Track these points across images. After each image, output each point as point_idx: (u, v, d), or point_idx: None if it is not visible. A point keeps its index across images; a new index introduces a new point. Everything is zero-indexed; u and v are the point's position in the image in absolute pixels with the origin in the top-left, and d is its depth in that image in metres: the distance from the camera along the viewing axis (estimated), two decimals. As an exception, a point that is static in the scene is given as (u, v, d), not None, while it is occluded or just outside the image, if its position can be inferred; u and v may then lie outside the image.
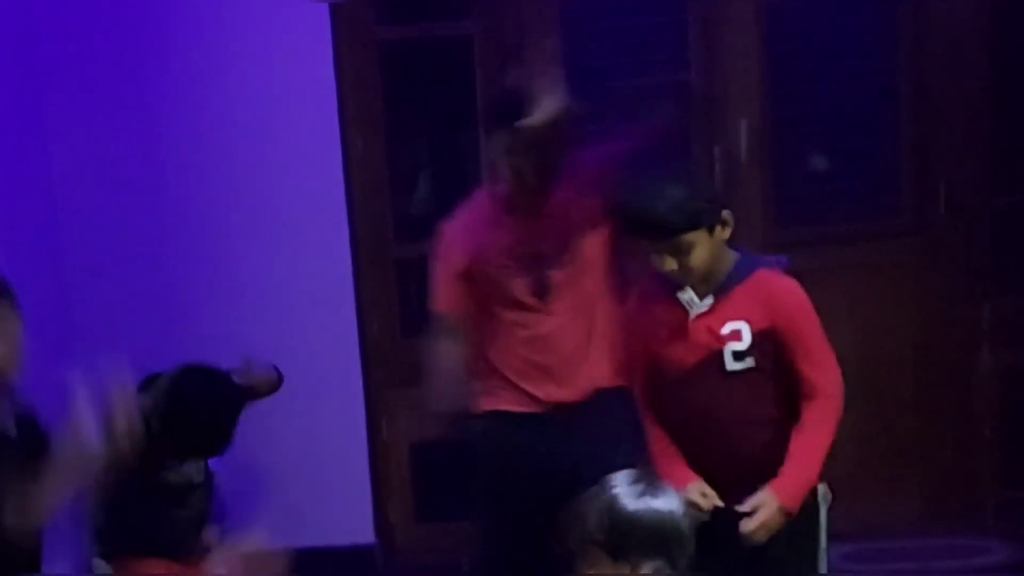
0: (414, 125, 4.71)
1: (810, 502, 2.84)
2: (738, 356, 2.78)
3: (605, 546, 2.21)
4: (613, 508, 2.22)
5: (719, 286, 2.82)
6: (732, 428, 2.82)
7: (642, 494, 2.22)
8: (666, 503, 2.24)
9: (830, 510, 2.90)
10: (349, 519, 4.73)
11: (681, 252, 2.76)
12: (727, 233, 2.82)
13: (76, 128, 4.57)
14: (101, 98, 4.57)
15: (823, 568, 2.90)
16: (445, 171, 4.77)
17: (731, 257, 2.86)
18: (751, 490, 2.76)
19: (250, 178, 4.59)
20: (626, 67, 4.49)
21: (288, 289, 4.63)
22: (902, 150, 4.53)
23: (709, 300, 2.82)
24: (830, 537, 2.93)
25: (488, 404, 3.34)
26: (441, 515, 4.76)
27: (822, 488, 2.88)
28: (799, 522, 2.79)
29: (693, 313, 2.83)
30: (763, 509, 2.73)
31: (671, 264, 2.78)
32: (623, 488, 2.24)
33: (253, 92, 4.52)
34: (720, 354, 2.79)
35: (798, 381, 2.80)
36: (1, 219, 4.12)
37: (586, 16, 4.50)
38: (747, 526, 2.72)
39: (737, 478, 2.81)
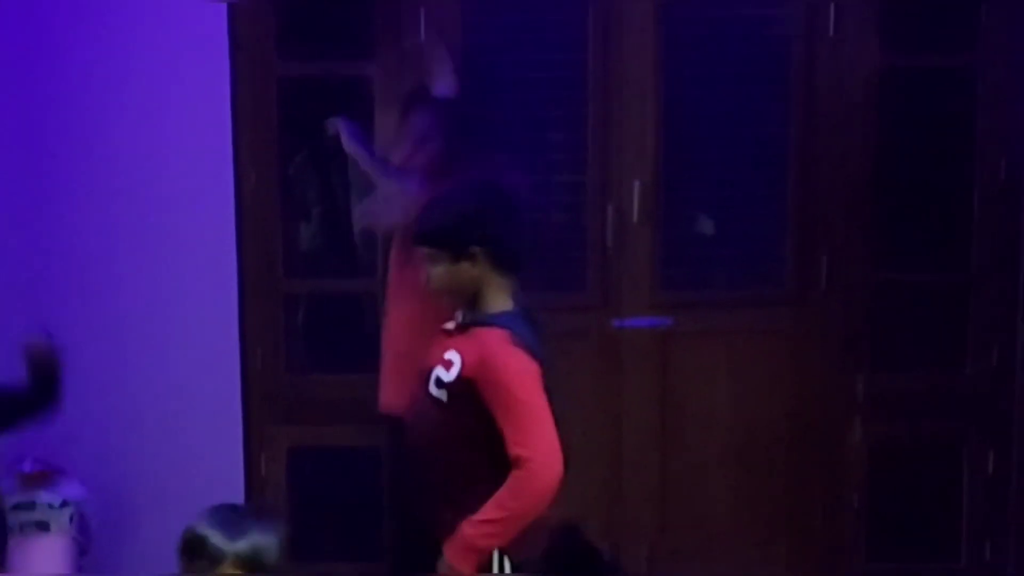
0: (309, 162, 4.72)
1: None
2: (439, 384, 2.93)
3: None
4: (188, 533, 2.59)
5: (473, 318, 2.97)
6: (425, 447, 3.00)
7: (215, 525, 2.57)
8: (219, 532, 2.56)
9: None
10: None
11: (430, 262, 3.00)
12: (476, 270, 2.95)
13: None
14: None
15: None
16: (337, 210, 4.77)
17: (501, 302, 2.98)
18: (440, 520, 2.91)
19: (140, 206, 4.53)
20: (524, 123, 4.53)
21: (173, 319, 4.59)
22: (787, 221, 4.59)
23: (456, 322, 3.01)
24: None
25: None
26: (318, 554, 4.74)
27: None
28: None
29: (448, 324, 3.03)
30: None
31: (425, 271, 3.02)
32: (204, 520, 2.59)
33: (147, 119, 4.47)
34: (432, 372, 2.96)
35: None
36: None
37: (485, 72, 4.51)
38: None
39: (431, 502, 3.00)
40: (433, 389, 2.94)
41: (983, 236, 4.56)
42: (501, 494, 2.81)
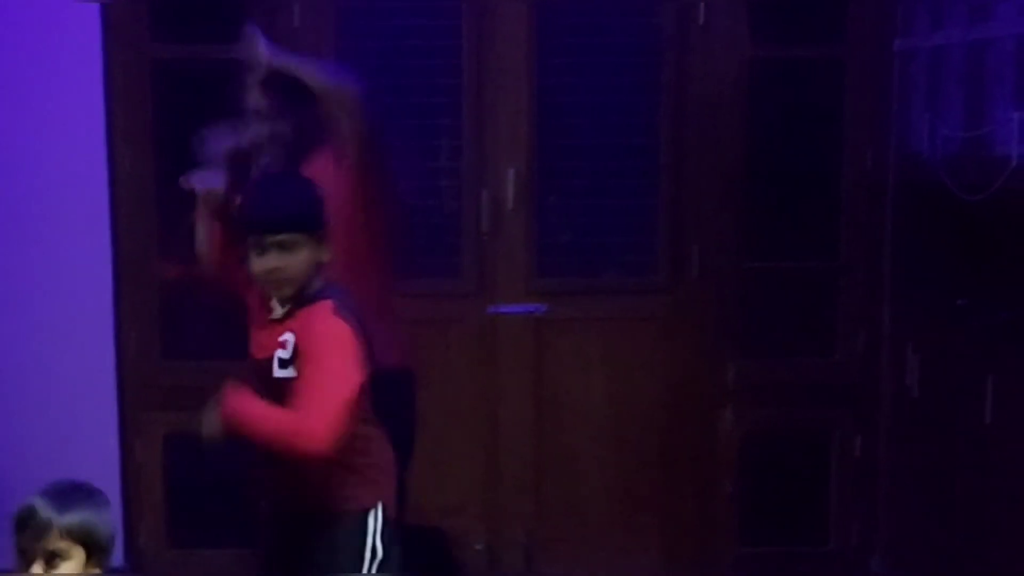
0: (185, 145, 4.68)
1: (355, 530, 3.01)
2: (283, 364, 2.93)
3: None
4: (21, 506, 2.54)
5: (298, 302, 2.96)
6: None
7: (45, 496, 2.52)
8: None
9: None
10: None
11: (286, 250, 2.90)
12: (325, 257, 2.96)
13: None
14: None
15: None
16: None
17: (320, 285, 2.98)
18: (288, 501, 3.02)
19: (12, 190, 4.50)
20: (398, 109, 4.52)
21: (46, 304, 4.56)
22: (660, 209, 4.63)
23: (282, 310, 2.98)
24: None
25: None
26: (194, 541, 4.74)
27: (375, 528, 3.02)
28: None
29: (271, 316, 3.00)
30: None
31: (273, 262, 2.91)
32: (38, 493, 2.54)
33: (18, 102, 4.44)
34: (272, 359, 2.95)
35: None
36: None
37: (362, 56, 4.50)
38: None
39: (277, 483, 3.08)
40: (278, 372, 2.93)
41: (850, 225, 4.64)
42: (281, 417, 2.83)
